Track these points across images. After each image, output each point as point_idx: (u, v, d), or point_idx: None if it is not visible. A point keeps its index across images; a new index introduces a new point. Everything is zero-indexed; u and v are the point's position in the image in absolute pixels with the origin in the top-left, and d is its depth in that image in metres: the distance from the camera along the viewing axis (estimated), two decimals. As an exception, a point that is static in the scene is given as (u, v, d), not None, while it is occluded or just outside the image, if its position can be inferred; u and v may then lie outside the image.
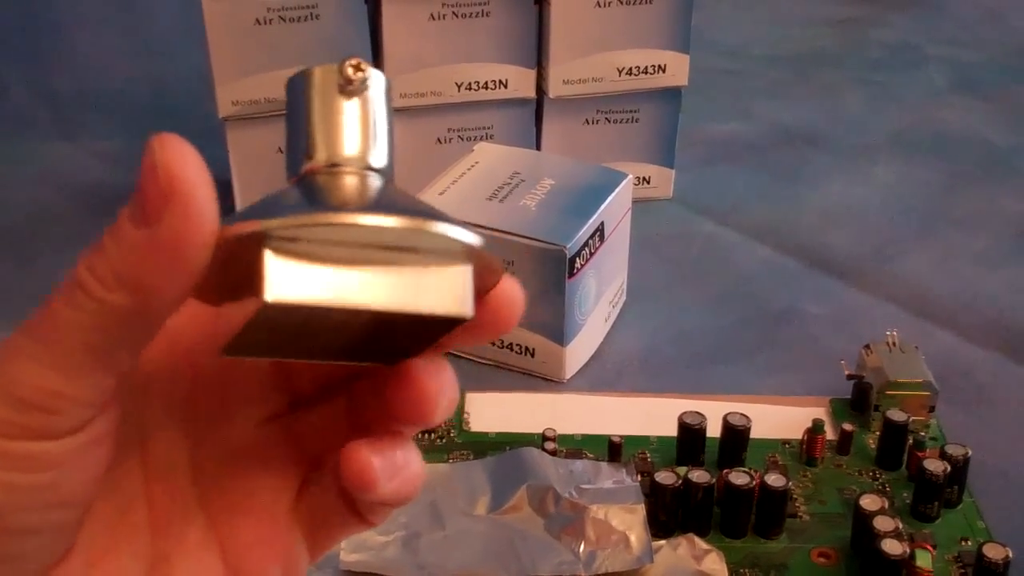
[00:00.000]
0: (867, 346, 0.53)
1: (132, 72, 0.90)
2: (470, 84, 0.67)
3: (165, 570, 0.25)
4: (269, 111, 0.64)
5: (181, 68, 0.87)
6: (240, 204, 0.68)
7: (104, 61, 0.91)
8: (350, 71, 0.23)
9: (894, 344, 0.53)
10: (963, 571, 0.44)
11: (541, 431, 0.49)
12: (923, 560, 0.42)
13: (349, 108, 0.23)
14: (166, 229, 0.20)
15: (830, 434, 0.50)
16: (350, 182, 0.23)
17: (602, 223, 0.54)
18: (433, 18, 0.65)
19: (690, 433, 0.48)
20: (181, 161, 0.20)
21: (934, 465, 0.45)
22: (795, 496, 0.47)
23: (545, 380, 0.55)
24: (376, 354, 0.24)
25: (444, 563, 0.43)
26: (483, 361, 0.56)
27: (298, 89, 0.23)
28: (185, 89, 0.83)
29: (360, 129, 0.23)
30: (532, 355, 0.55)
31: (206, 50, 0.63)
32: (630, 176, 0.58)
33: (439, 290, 0.22)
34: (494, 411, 0.52)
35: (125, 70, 0.91)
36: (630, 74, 0.68)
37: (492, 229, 0.52)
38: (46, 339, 0.21)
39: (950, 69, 0.94)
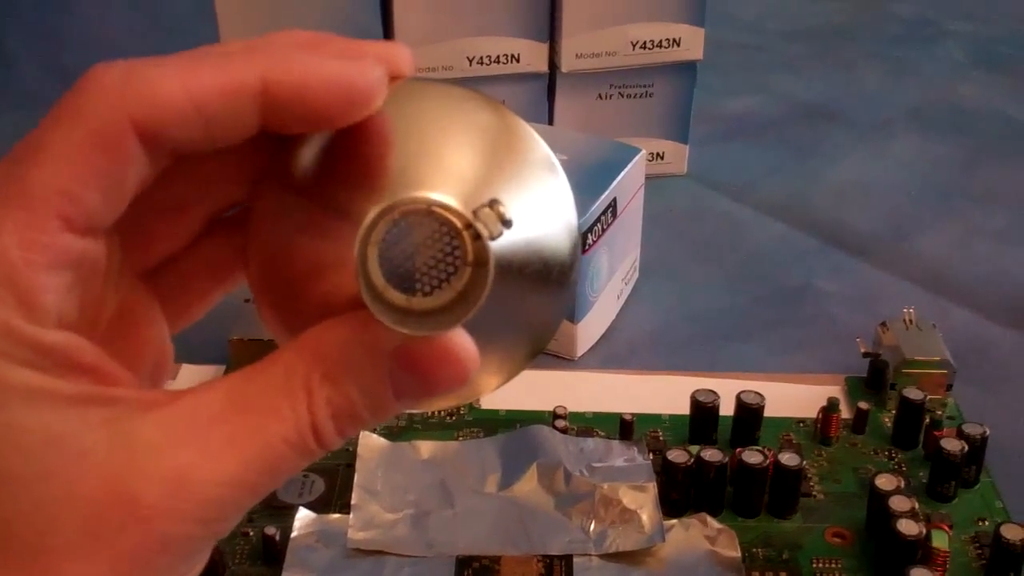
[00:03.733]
0: (883, 323, 0.52)
1: (142, 48, 0.89)
2: (482, 58, 0.66)
3: None
4: (279, 85, 0.63)
5: (191, 44, 0.85)
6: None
7: (114, 36, 0.90)
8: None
9: (911, 322, 0.52)
10: (980, 552, 0.43)
11: (552, 409, 0.49)
12: (939, 541, 0.41)
13: None
14: (426, 405, 0.22)
15: (845, 413, 0.49)
16: None
17: (615, 199, 0.54)
18: (444, -9, 0.64)
19: (703, 411, 0.48)
20: (474, 359, 0.21)
21: (952, 444, 0.45)
22: (809, 475, 0.47)
23: (556, 357, 0.55)
24: None
25: (454, 541, 0.42)
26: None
27: None
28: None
29: None
30: (543, 332, 0.54)
31: (216, 25, 0.62)
32: (643, 151, 0.57)
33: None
34: (504, 388, 0.51)
35: (135, 46, 0.90)
36: (644, 48, 0.67)
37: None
38: (251, 473, 0.21)
39: (969, 44, 0.93)
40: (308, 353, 0.21)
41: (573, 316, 0.53)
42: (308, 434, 0.21)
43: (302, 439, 0.21)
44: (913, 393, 0.48)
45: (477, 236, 0.20)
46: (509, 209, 0.20)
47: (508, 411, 0.50)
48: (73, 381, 0.20)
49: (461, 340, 0.21)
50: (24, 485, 0.19)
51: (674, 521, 0.43)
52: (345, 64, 0.21)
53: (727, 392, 0.48)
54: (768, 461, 0.44)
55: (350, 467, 0.45)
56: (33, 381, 0.20)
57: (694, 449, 0.45)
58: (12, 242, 0.20)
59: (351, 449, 0.46)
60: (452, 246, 0.20)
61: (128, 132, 0.20)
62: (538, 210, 0.22)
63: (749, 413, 0.48)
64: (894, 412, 0.49)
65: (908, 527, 0.41)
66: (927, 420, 0.48)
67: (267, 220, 0.24)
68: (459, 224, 0.20)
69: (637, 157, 0.56)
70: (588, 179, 0.53)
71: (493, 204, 0.20)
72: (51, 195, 0.20)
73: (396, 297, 0.21)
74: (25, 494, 0.19)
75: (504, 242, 0.21)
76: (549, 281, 0.22)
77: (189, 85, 0.21)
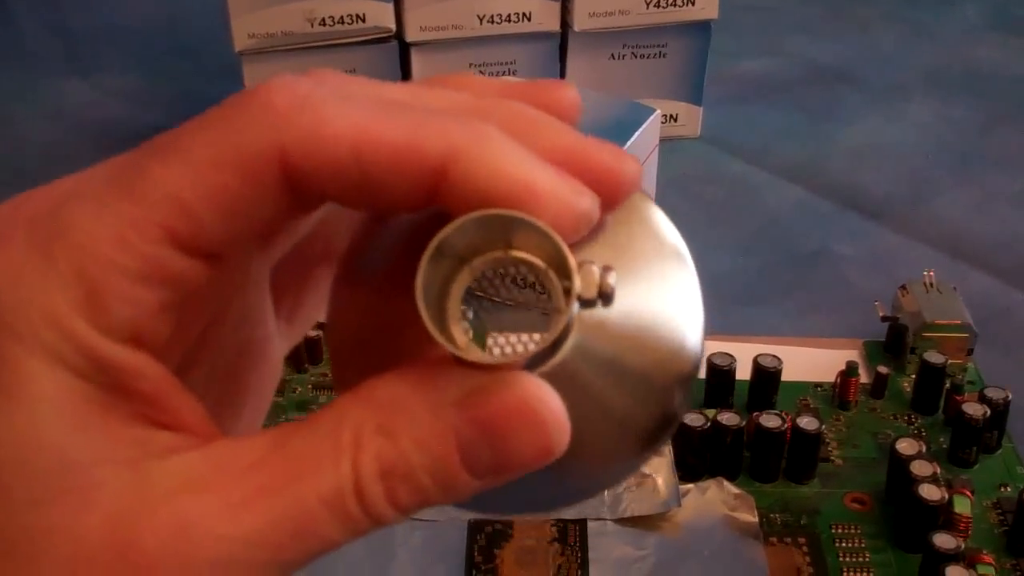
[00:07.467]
0: (903, 287, 0.51)
1: (147, 8, 0.89)
2: (492, 17, 0.65)
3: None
4: (286, 44, 0.62)
5: (197, 4, 0.85)
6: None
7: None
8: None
9: (931, 285, 0.51)
10: (1002, 517, 0.42)
11: (565, 372, 0.48)
12: (961, 506, 0.40)
13: None
14: (497, 480, 0.18)
15: (863, 377, 0.49)
16: None
17: (629, 159, 0.52)
18: (454, -52, 0.63)
19: (719, 375, 0.47)
20: (558, 419, 0.17)
21: (973, 409, 0.44)
22: (828, 440, 0.46)
23: (569, 321, 0.54)
24: None
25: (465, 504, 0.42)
26: (506, 301, 0.55)
27: None
28: (201, 26, 0.81)
29: None
30: (556, 295, 0.53)
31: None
32: (658, 111, 0.56)
33: None
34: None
35: (141, 6, 0.89)
36: (658, 6, 0.66)
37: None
38: (275, 533, 0.17)
39: (985, 5, 0.91)
40: (363, 401, 0.18)
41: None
42: (349, 493, 0.17)
43: (340, 499, 0.17)
44: (934, 357, 0.47)
45: (567, 291, 0.17)
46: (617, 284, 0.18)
47: (521, 375, 0.49)
48: (121, 406, 0.18)
49: (539, 390, 0.17)
50: (17, 508, 0.17)
51: (690, 486, 0.43)
52: (555, 183, 0.18)
53: (744, 356, 0.47)
54: (786, 425, 0.43)
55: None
56: (73, 394, 0.17)
57: (710, 413, 0.44)
58: (107, 235, 0.17)
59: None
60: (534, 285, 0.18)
61: (273, 163, 0.18)
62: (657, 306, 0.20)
63: (766, 377, 0.47)
64: (914, 377, 0.48)
65: (930, 492, 0.40)
66: (948, 385, 0.47)
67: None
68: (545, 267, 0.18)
69: (652, 117, 0.55)
70: (602, 138, 0.52)
71: (606, 270, 0.18)
72: (165, 200, 0.17)
73: (461, 328, 0.18)
74: (15, 518, 0.17)
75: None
76: (653, 388, 0.20)
77: (360, 135, 0.18)
